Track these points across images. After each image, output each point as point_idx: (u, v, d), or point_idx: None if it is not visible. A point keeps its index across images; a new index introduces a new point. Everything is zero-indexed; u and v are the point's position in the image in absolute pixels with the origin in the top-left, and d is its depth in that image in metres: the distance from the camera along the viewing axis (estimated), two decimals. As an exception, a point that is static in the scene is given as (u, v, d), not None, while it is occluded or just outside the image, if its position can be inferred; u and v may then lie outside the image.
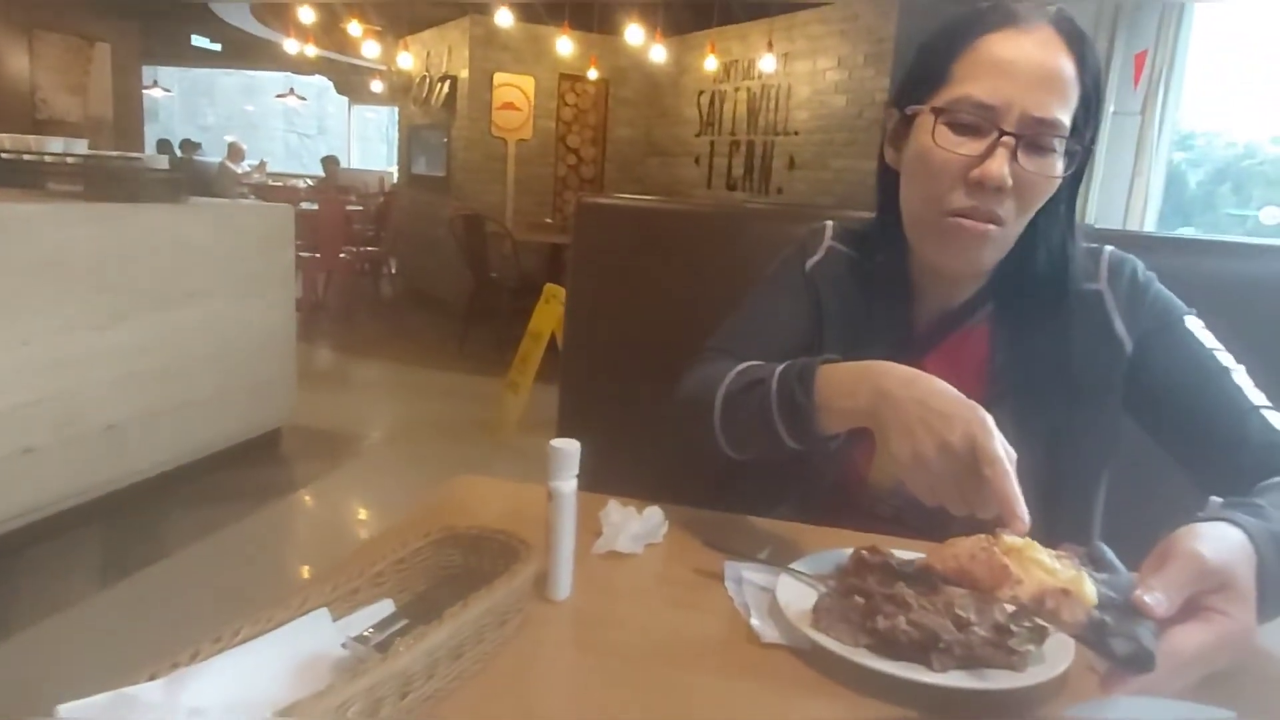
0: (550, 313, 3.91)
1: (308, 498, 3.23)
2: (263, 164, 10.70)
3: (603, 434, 0.86)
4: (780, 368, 0.83)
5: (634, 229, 1.48)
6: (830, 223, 1.05)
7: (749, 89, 6.53)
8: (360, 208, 7.71)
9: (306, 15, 5.98)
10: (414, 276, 8.19)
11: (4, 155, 2.84)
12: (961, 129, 0.83)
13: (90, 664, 2.01)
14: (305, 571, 2.74)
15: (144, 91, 9.57)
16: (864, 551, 0.75)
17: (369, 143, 16.40)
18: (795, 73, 6.10)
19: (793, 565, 0.79)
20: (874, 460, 0.95)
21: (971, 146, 0.82)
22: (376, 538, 0.84)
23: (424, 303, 7.54)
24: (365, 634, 0.62)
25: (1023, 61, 0.81)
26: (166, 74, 11.73)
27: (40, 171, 2.86)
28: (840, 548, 0.80)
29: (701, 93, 6.99)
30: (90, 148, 3.19)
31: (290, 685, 0.56)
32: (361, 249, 7.40)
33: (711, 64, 6.46)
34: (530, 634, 0.69)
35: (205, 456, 3.07)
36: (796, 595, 0.73)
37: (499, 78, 6.88)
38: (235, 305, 3.14)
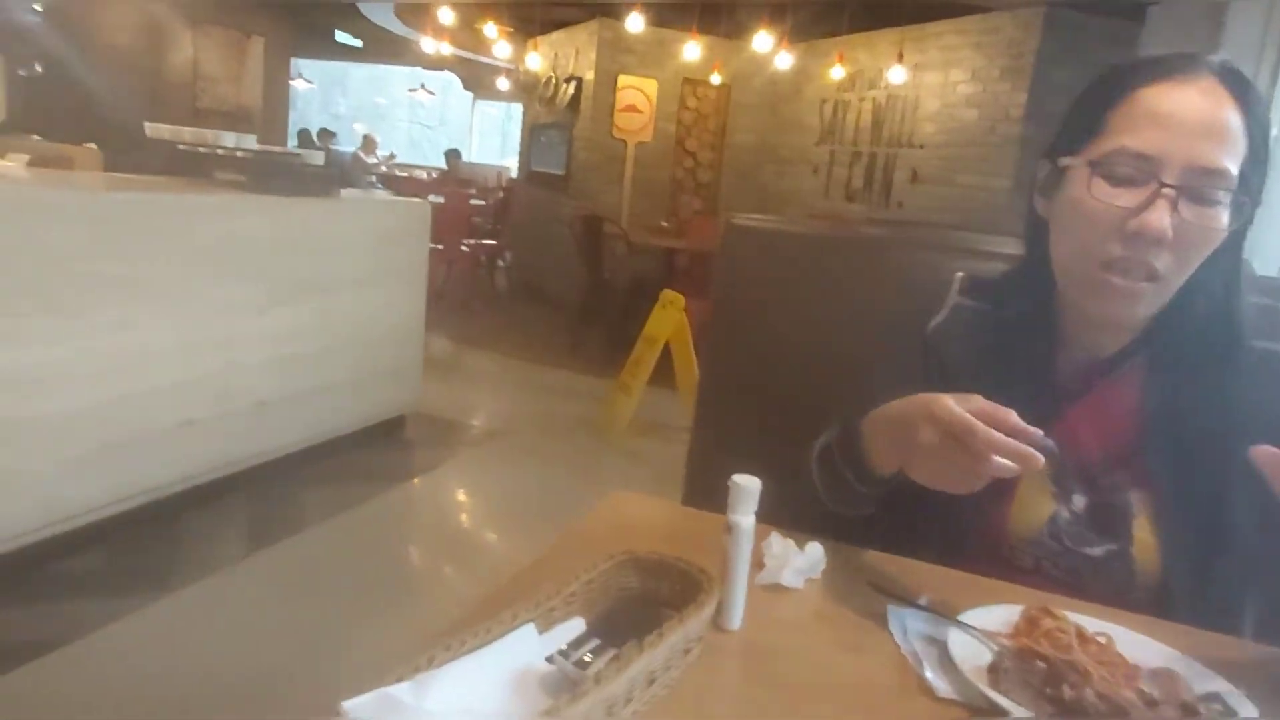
0: (667, 318, 3.95)
1: (429, 483, 3.38)
2: (391, 155, 11.21)
3: (737, 456, 0.87)
4: (838, 430, 0.90)
5: (782, 252, 1.49)
6: (960, 275, 1.03)
7: (874, 99, 6.41)
8: (482, 202, 7.97)
9: (446, 16, 6.22)
10: (527, 271, 8.41)
11: (181, 146, 3.09)
12: (1118, 180, 0.82)
13: (238, 627, 2.18)
14: (419, 556, 2.88)
15: (289, 82, 10.18)
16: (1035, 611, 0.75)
17: (485, 136, 16.90)
18: (924, 84, 5.94)
19: (960, 617, 0.79)
20: (1012, 510, 0.95)
21: (1129, 198, 0.81)
22: (552, 553, 0.89)
23: (535, 297, 7.73)
24: (563, 650, 0.66)
25: (1184, 112, 0.80)
26: (307, 66, 12.40)
27: (211, 163, 3.10)
28: (1003, 603, 0.80)
29: (824, 101, 6.90)
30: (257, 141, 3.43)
31: (506, 694, 0.61)
32: (480, 242, 7.66)
33: (838, 73, 6.38)
34: (707, 662, 0.71)
35: (339, 437, 3.26)
36: (970, 650, 0.73)
37: (623, 80, 6.98)
38: (375, 294, 3.33)
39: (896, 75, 5.90)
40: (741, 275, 1.50)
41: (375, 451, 3.44)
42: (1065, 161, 0.87)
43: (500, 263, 8.71)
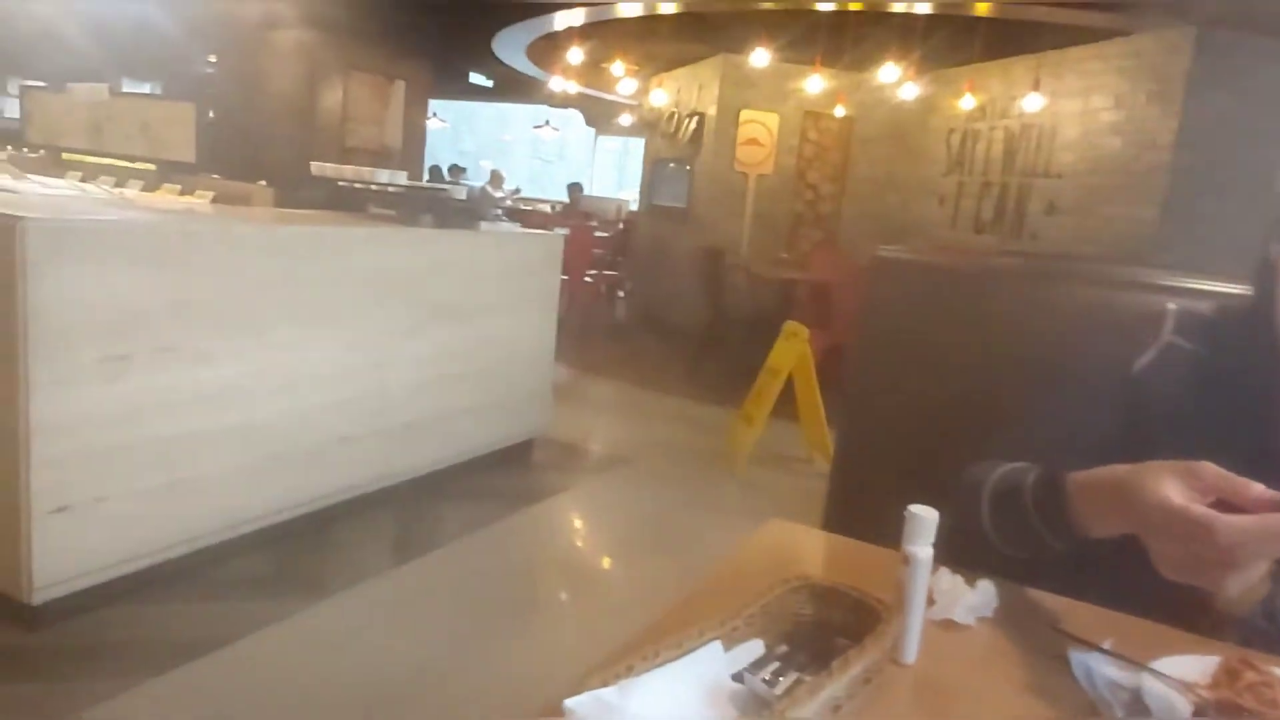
0: (790, 350, 3.93)
1: (557, 506, 3.48)
2: (517, 190, 11.69)
3: (881, 488, 0.86)
4: (1032, 479, 0.83)
5: (930, 285, 1.47)
6: (1172, 308, 0.94)
7: (1006, 128, 6.21)
8: (605, 234, 8.18)
9: (575, 55, 6.47)
10: (646, 301, 8.54)
11: (341, 183, 3.35)
12: None
13: (387, 633, 2.30)
14: (548, 576, 2.95)
15: (425, 122, 10.78)
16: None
17: (603, 170, 17.39)
18: (1062, 112, 5.72)
19: (1151, 665, 0.76)
20: None
21: None
22: (716, 577, 0.91)
23: (656, 327, 7.83)
24: (746, 670, 0.69)
25: None
26: (441, 106, 13.10)
27: (366, 197, 3.34)
28: (1194, 653, 0.76)
29: (952, 131, 6.74)
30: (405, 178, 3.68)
31: (698, 706, 0.63)
32: (602, 272, 7.85)
33: (968, 102, 6.22)
34: (885, 693, 0.72)
35: (473, 458, 3.40)
36: (1165, 700, 0.71)
37: (745, 114, 7.04)
38: (511, 322, 3.48)
39: (1031, 103, 5.71)
40: (888, 306, 1.49)
41: (507, 473, 3.57)
42: None
43: (620, 293, 8.88)
